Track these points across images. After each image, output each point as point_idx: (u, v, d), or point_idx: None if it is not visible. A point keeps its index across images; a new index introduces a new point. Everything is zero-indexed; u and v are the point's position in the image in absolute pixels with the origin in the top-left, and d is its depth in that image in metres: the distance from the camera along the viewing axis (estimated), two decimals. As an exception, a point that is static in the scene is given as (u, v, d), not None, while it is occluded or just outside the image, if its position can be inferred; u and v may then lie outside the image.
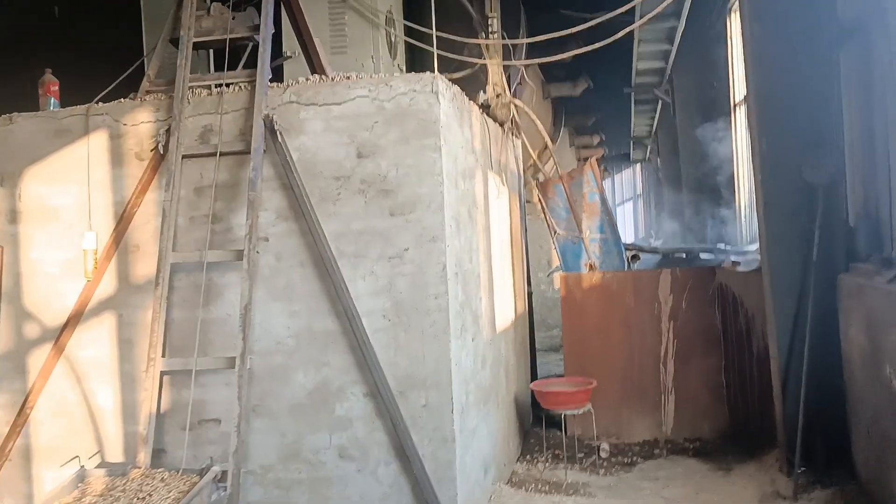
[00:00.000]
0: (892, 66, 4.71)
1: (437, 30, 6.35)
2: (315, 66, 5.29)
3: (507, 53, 7.73)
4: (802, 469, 5.40)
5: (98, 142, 5.18)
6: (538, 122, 7.99)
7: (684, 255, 10.17)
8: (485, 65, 7.52)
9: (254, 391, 4.93)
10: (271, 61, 5.12)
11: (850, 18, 5.30)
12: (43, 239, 5.26)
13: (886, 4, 4.75)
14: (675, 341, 7.39)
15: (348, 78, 5.01)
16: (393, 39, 6.42)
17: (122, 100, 5.23)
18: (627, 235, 27.21)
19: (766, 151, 5.63)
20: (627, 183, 29.38)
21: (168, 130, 4.93)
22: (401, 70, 6.68)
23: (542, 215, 8.42)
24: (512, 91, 8.29)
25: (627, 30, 5.89)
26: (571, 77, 12.67)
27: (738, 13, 7.74)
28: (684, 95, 12.26)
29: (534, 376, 8.65)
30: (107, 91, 5.30)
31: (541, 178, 8.89)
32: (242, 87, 5.06)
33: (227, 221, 5.00)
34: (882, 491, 4.83)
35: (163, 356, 4.85)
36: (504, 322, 6.81)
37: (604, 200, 8.23)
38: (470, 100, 5.93)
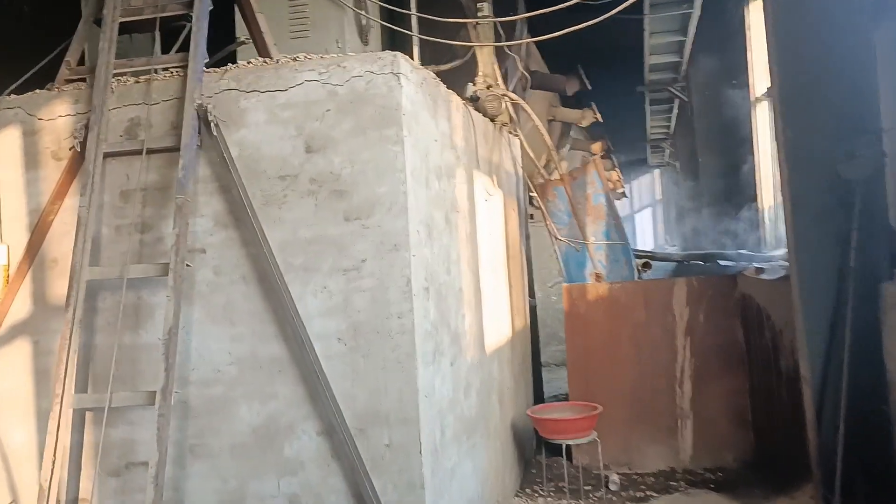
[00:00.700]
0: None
1: (419, 14, 5.68)
2: (259, 49, 4.57)
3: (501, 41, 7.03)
4: (841, 507, 4.80)
5: (9, 139, 4.45)
6: (537, 121, 7.23)
7: (702, 262, 9.42)
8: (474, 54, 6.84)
9: (190, 428, 4.20)
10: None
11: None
12: (-54, 254, 4.53)
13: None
14: (691, 359, 6.86)
15: (295, 59, 4.26)
16: (364, 22, 5.69)
17: (36, 91, 4.51)
18: (646, 243, 26.52)
19: (794, 143, 5.06)
20: (646, 189, 28.81)
21: (87, 125, 4.22)
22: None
23: (542, 220, 7.68)
24: (511, 88, 7.61)
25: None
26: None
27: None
28: (701, 91, 11.68)
29: (538, 397, 7.95)
30: (21, 81, 4.59)
31: (539, 178, 8.13)
32: (175, 74, 4.35)
33: (159, 230, 4.28)
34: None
35: (84, 390, 4.15)
36: (497, 340, 6.06)
37: (609, 203, 7.49)
38: (459, 95, 5.19)
